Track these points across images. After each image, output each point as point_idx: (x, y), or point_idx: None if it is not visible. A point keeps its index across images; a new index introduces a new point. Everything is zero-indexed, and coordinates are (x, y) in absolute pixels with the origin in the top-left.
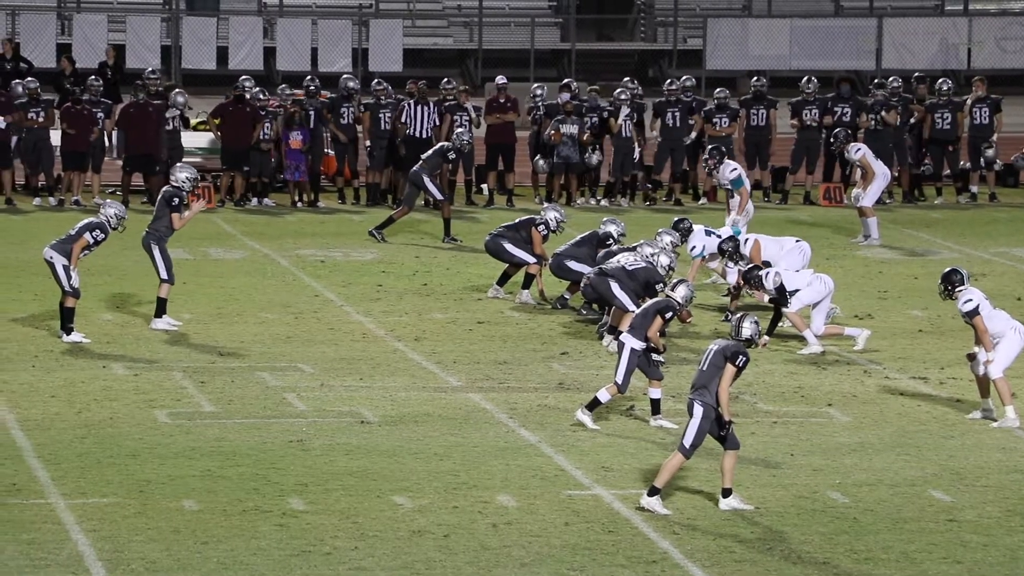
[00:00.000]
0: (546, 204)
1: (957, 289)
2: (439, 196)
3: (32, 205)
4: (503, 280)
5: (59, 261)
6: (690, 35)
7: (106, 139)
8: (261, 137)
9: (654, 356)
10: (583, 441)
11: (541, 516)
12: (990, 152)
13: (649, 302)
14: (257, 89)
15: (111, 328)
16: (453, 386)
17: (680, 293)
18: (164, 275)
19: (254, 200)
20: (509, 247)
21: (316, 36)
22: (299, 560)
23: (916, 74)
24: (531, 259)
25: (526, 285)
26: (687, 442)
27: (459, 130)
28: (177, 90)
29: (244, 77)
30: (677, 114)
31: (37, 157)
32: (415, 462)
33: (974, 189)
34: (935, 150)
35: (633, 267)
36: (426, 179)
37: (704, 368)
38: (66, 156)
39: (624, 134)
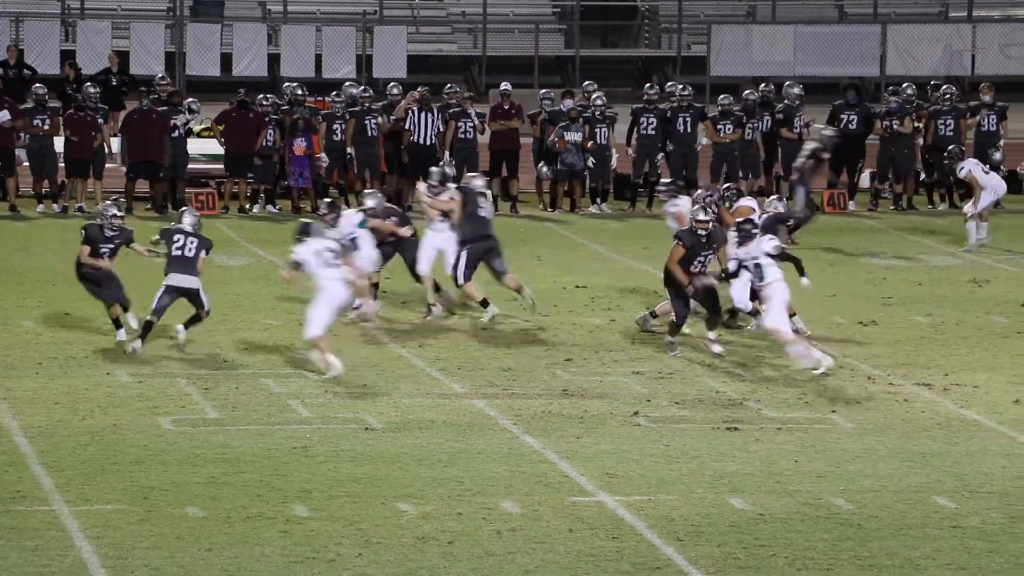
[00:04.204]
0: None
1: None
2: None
3: (36, 211)
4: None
5: (196, 284)
6: (694, 42)
7: (105, 146)
8: (266, 143)
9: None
10: (587, 448)
11: (545, 523)
12: (997, 156)
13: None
14: (271, 96)
15: (113, 332)
16: (457, 392)
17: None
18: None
19: (257, 207)
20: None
21: (320, 43)
22: (303, 567)
23: (933, 82)
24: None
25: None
26: None
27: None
28: (191, 99)
29: (291, 84)
30: (688, 120)
31: (41, 163)
32: (419, 469)
33: None
34: (938, 157)
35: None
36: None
37: None
38: (69, 163)
39: (600, 141)
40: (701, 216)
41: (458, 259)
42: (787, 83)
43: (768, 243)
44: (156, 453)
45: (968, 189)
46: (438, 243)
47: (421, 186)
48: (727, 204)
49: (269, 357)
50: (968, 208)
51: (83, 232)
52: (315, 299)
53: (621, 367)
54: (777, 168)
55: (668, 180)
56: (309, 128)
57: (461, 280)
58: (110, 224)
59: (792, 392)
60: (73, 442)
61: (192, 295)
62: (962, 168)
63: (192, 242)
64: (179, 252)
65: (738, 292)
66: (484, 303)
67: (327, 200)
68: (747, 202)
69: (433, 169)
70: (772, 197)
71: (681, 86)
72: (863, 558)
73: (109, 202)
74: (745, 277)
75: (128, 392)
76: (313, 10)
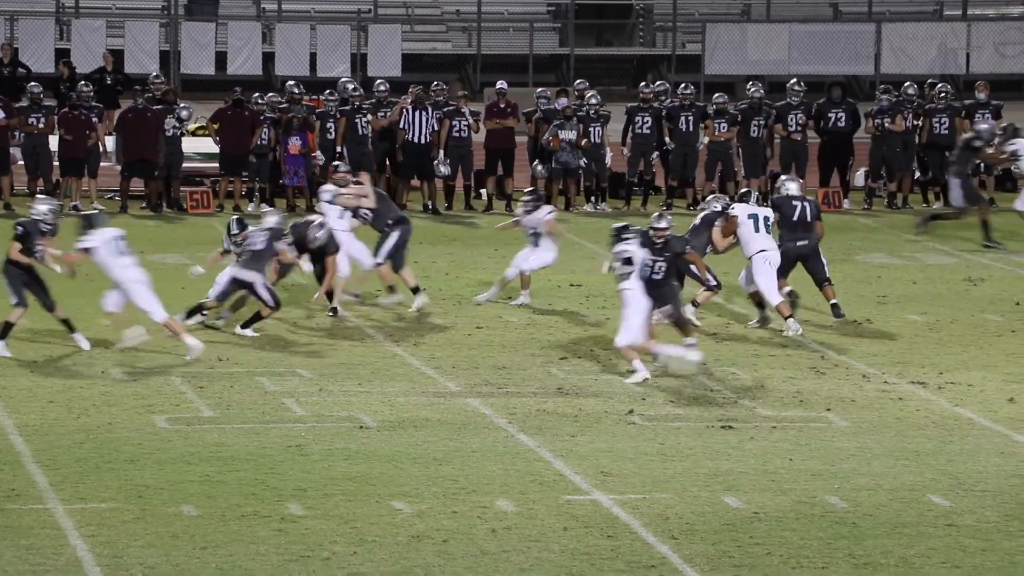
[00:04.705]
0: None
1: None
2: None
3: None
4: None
5: (258, 279)
6: (689, 40)
7: (100, 144)
8: (261, 142)
9: None
10: (582, 446)
11: (540, 521)
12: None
13: None
14: (274, 95)
15: (109, 333)
16: (452, 391)
17: None
18: (14, 300)
19: (251, 205)
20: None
21: (315, 41)
22: (298, 565)
23: (929, 81)
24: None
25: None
26: None
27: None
28: (183, 104)
29: (291, 83)
30: (691, 119)
31: (36, 162)
32: (414, 467)
33: None
34: (933, 155)
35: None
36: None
37: None
38: (64, 161)
39: (593, 140)
40: (656, 224)
41: (385, 239)
42: (792, 81)
43: (619, 253)
44: (151, 451)
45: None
46: (348, 251)
47: (329, 187)
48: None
49: (264, 355)
50: (1019, 203)
51: (19, 228)
52: (114, 286)
53: (616, 365)
54: (772, 166)
55: (530, 189)
56: (307, 126)
57: (380, 259)
58: (48, 220)
59: (786, 391)
60: (68, 440)
61: (250, 289)
62: (1012, 143)
63: (262, 235)
64: (252, 248)
65: (765, 285)
66: (391, 289)
67: (236, 218)
68: (734, 210)
69: (337, 163)
70: (784, 177)
71: (683, 84)
72: (858, 556)
73: (42, 197)
74: (765, 269)
75: (123, 391)
76: (307, 8)
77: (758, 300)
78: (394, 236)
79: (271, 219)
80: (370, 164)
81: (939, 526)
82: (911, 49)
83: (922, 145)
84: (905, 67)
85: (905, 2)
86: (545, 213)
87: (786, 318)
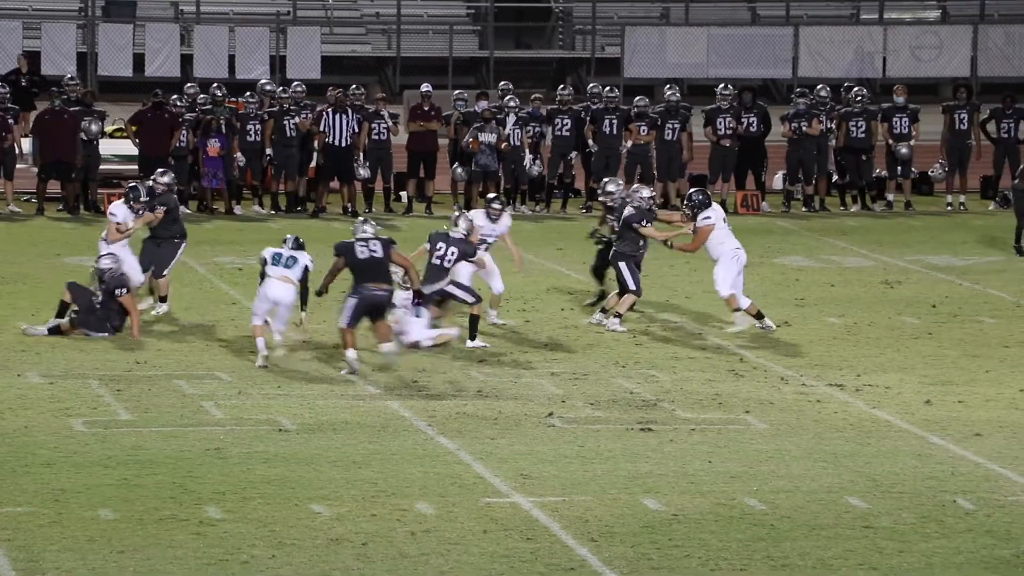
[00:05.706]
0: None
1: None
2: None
3: None
4: None
5: (444, 283)
6: (608, 43)
7: (16, 146)
8: (180, 144)
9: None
10: (501, 449)
11: (460, 524)
12: (904, 151)
13: None
14: (204, 95)
15: (26, 336)
16: (371, 394)
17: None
18: None
19: None
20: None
21: (233, 43)
22: (216, 569)
23: (846, 84)
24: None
25: None
26: None
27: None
28: (88, 119)
29: (193, 85)
30: (615, 122)
31: None
32: (333, 470)
33: (890, 197)
34: (850, 159)
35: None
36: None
37: None
38: None
39: (513, 143)
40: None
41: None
42: (720, 85)
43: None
44: (68, 455)
45: (880, 191)
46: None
47: (118, 208)
48: (693, 212)
49: (182, 358)
50: None
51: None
52: None
53: (536, 368)
54: (691, 168)
55: (493, 196)
56: (230, 128)
57: (166, 272)
58: None
59: (705, 393)
60: None
61: (448, 296)
62: None
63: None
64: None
65: (721, 279)
66: (163, 299)
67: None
68: (708, 219)
69: (135, 185)
70: (606, 180)
71: (608, 88)
72: (776, 558)
73: None
74: (726, 265)
75: (39, 394)
76: (226, 10)
77: (735, 307)
78: (182, 250)
79: (464, 222)
80: (295, 167)
81: (856, 528)
82: (828, 53)
83: (839, 149)
84: (822, 71)
85: (822, 6)
86: (507, 224)
87: (735, 310)
